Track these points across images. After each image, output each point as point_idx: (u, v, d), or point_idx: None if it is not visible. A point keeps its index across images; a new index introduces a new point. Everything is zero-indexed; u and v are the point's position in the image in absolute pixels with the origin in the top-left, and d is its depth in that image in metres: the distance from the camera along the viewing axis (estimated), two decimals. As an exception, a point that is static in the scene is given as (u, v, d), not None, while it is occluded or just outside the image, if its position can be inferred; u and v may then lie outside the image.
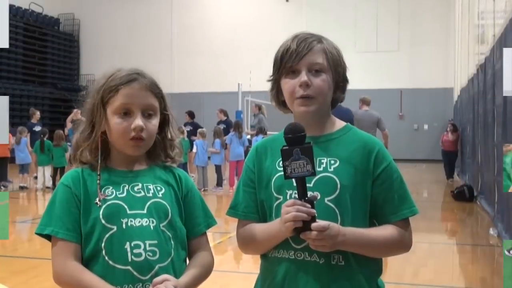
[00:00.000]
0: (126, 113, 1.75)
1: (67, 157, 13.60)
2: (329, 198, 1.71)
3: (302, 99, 1.76)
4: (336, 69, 1.79)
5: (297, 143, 1.63)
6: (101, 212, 1.72)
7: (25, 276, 5.69)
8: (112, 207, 1.74)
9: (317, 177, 1.72)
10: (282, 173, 1.75)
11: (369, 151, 1.77)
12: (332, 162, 1.75)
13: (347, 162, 1.75)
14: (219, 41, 26.40)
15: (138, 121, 1.74)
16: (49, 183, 13.55)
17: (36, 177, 14.21)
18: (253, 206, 1.87)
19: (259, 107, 14.88)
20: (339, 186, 1.72)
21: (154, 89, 1.81)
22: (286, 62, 1.77)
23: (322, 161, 1.75)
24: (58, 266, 1.72)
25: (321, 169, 1.74)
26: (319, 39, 1.80)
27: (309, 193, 1.68)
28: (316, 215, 1.63)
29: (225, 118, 14.93)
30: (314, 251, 1.71)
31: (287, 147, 1.64)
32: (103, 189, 1.76)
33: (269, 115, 14.67)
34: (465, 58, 16.46)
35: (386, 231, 1.75)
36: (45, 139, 13.69)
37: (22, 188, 13.67)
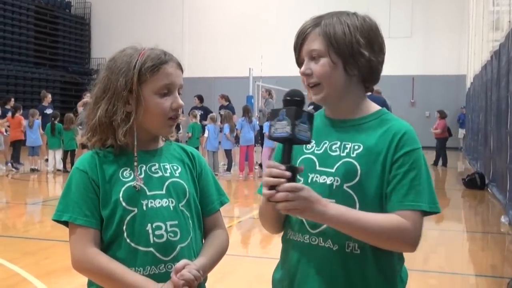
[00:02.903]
0: (165, 92, 1.73)
1: (78, 140, 13.69)
2: (349, 184, 1.65)
3: (311, 88, 1.72)
4: (340, 48, 1.66)
5: (299, 107, 1.55)
6: (121, 195, 1.70)
7: (36, 257, 5.73)
8: (132, 189, 1.71)
9: (340, 162, 1.67)
10: (308, 155, 1.73)
11: (394, 134, 1.66)
12: (356, 147, 1.67)
13: (371, 148, 1.66)
14: (230, 26, 26.29)
15: (180, 101, 1.75)
16: (59, 165, 13.63)
17: (47, 160, 14.29)
18: None
19: (269, 92, 14.84)
20: (359, 172, 1.65)
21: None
22: (295, 55, 1.76)
23: (347, 145, 1.68)
24: (78, 253, 1.68)
25: (344, 154, 1.68)
26: (317, 22, 1.70)
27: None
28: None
29: (227, 103, 14.86)
30: (328, 237, 1.66)
31: (299, 108, 1.55)
32: (121, 172, 1.73)
33: (279, 100, 14.61)
34: (479, 45, 16.31)
35: (385, 218, 1.61)
36: (56, 122, 13.74)
37: (33, 170, 13.76)
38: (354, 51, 1.67)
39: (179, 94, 1.76)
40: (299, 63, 1.74)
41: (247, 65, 18.40)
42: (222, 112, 13.96)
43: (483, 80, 13.67)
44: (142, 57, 1.71)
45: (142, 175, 1.73)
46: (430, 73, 23.82)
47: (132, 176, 1.72)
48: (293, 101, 1.56)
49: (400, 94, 22.04)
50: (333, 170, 1.66)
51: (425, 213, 1.63)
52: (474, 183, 11.33)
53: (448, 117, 23.67)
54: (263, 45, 24.35)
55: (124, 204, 1.69)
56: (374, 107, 1.78)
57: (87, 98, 15.97)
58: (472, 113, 16.69)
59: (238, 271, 5.38)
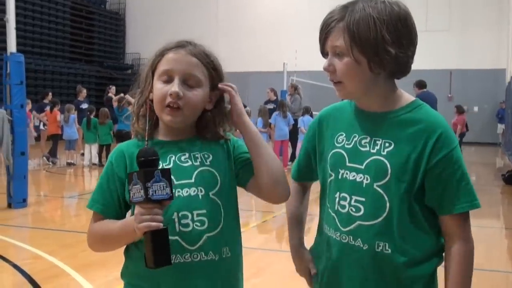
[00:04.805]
0: (167, 79, 1.70)
1: (112, 135, 13.85)
2: (379, 183, 1.60)
3: (334, 84, 1.65)
4: (364, 46, 1.55)
5: (153, 166, 1.54)
6: None
7: (73, 250, 5.79)
8: None
9: (369, 159, 1.61)
10: (338, 150, 1.69)
11: (428, 135, 1.57)
12: (387, 144, 1.60)
13: (402, 145, 1.59)
14: (264, 20, 26.23)
15: (174, 87, 1.67)
16: (95, 160, 13.79)
17: (83, 154, 14.48)
18: (304, 168, 1.88)
19: (295, 88, 14.70)
20: (389, 171, 1.58)
21: (203, 58, 1.73)
22: (320, 46, 1.66)
23: (377, 142, 1.62)
24: (88, 232, 1.78)
25: (375, 151, 1.61)
26: (342, 15, 1.59)
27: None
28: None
29: (275, 98, 14.74)
30: (358, 236, 1.62)
31: (147, 169, 1.53)
32: None
33: (308, 95, 14.48)
34: (519, 37, 15.90)
35: (456, 264, 1.61)
36: (91, 116, 13.90)
37: (69, 164, 13.95)
38: (379, 49, 1.56)
39: (191, 85, 1.70)
40: (324, 54, 1.67)
41: (282, 59, 18.32)
42: (270, 106, 13.92)
43: (524, 74, 13.32)
44: (163, 46, 1.75)
45: (171, 165, 1.71)
46: (468, 67, 23.37)
47: (160, 166, 1.66)
48: (147, 161, 1.53)
49: (437, 88, 21.50)
50: (362, 167, 1.62)
51: None
52: (514, 179, 11.09)
53: (486, 111, 23.31)
54: (297, 39, 24.21)
55: None
56: (407, 98, 1.68)
57: (111, 92, 16.27)
58: (511, 107, 16.27)
59: (273, 266, 5.35)
